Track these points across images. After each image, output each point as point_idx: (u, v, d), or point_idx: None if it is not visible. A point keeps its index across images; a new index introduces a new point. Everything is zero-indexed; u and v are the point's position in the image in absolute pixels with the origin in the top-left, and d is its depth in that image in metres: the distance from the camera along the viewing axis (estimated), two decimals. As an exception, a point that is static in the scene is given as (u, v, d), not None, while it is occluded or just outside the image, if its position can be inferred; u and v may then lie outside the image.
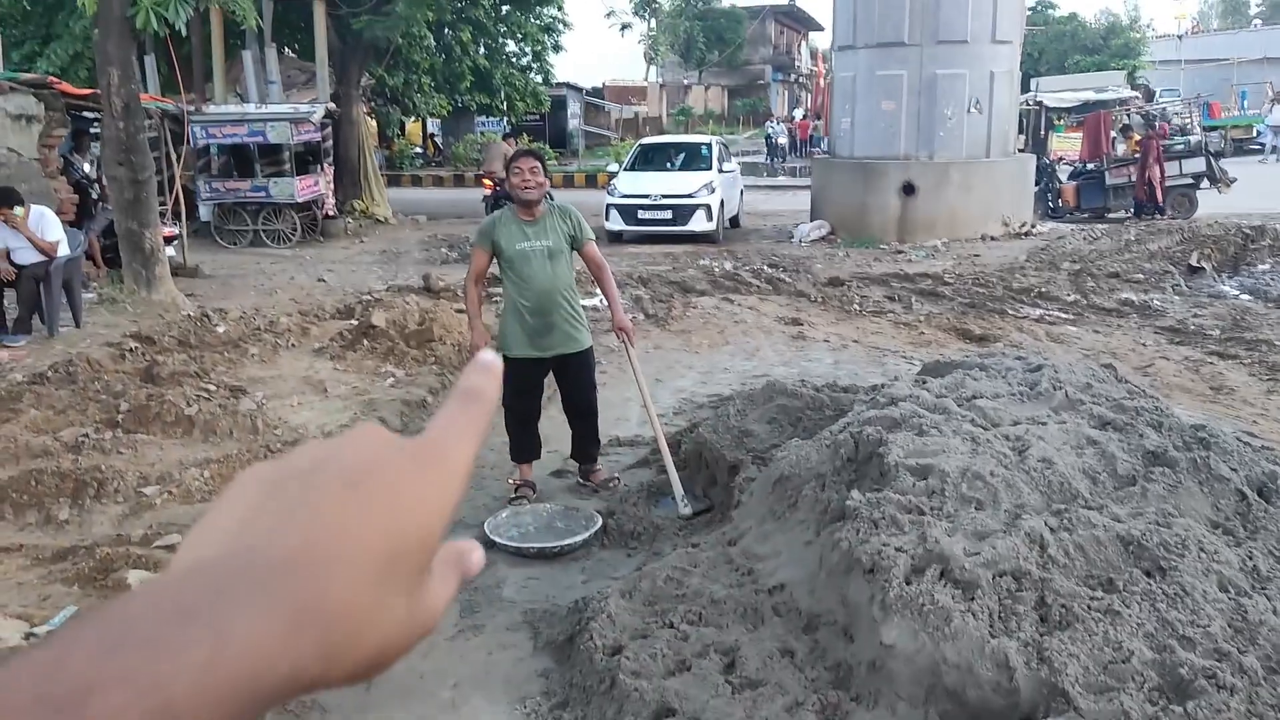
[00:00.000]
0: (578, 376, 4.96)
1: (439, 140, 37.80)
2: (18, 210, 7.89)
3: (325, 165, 17.74)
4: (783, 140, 33.53)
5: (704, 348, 8.18)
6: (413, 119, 32.83)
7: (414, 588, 0.41)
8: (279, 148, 16.51)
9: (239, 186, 16.46)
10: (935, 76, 14.49)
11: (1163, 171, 16.40)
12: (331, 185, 18.15)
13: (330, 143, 18.11)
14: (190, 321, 8.89)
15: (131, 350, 7.83)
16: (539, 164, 4.79)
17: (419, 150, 36.47)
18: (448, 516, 0.43)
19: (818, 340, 8.37)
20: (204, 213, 16.44)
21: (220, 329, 8.73)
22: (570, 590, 3.93)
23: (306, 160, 17.12)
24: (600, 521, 4.41)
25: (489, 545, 4.34)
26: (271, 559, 0.38)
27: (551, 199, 5.01)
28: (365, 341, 7.97)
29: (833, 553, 3.11)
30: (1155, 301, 9.65)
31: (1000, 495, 3.09)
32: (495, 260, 4.82)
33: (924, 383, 4.09)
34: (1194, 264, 11.28)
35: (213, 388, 6.65)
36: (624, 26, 47.62)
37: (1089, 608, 2.60)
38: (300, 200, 16.46)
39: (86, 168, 12.35)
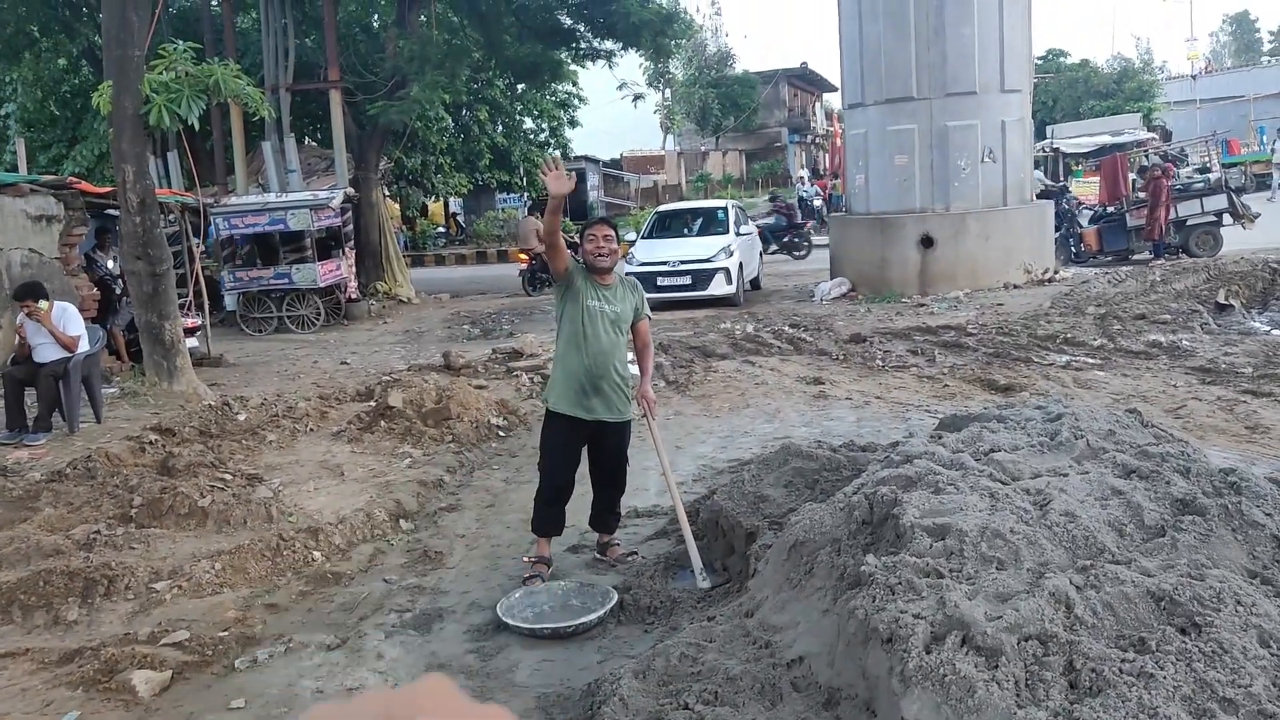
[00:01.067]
0: (615, 446, 4.94)
1: (461, 219, 38.35)
2: (42, 304, 7.99)
3: (347, 249, 17.96)
4: (818, 202, 31.40)
5: (724, 412, 8.06)
6: (433, 199, 33.36)
7: None
8: (301, 234, 16.76)
9: (262, 274, 16.66)
10: (946, 128, 14.49)
11: (1168, 209, 16.27)
12: (354, 268, 18.37)
13: (350, 227, 18.36)
14: (211, 411, 8.89)
15: (151, 443, 7.82)
16: (612, 231, 4.87)
17: (442, 229, 36.99)
18: None
19: (840, 398, 8.24)
20: (229, 302, 16.65)
21: (241, 417, 8.72)
22: (585, 671, 3.78)
23: (328, 245, 17.35)
24: (616, 597, 4.27)
25: (502, 628, 4.22)
26: None
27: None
28: (382, 423, 7.93)
29: (849, 622, 2.96)
30: (1184, 341, 9.45)
31: (1022, 553, 2.94)
32: (561, 304, 4.77)
33: (940, 438, 3.96)
34: (1222, 301, 11.07)
35: (229, 477, 6.60)
36: (637, 98, 48.25)
37: (1121, 671, 2.44)
38: (323, 285, 16.64)
39: (110, 264, 12.55)
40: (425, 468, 7.00)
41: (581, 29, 21.70)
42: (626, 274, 15.85)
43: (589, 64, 22.65)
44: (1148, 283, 12.57)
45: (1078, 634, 2.60)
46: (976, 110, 14.50)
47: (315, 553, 5.34)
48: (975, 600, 2.76)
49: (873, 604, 2.89)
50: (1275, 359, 8.33)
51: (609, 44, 21.74)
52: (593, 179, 40.75)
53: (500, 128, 30.82)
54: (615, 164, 45.40)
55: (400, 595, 4.75)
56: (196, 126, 9.61)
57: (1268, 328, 10.07)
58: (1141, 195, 17.45)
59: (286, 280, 16.68)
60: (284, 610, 4.66)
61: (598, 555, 5.01)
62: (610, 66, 23.81)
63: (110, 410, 9.16)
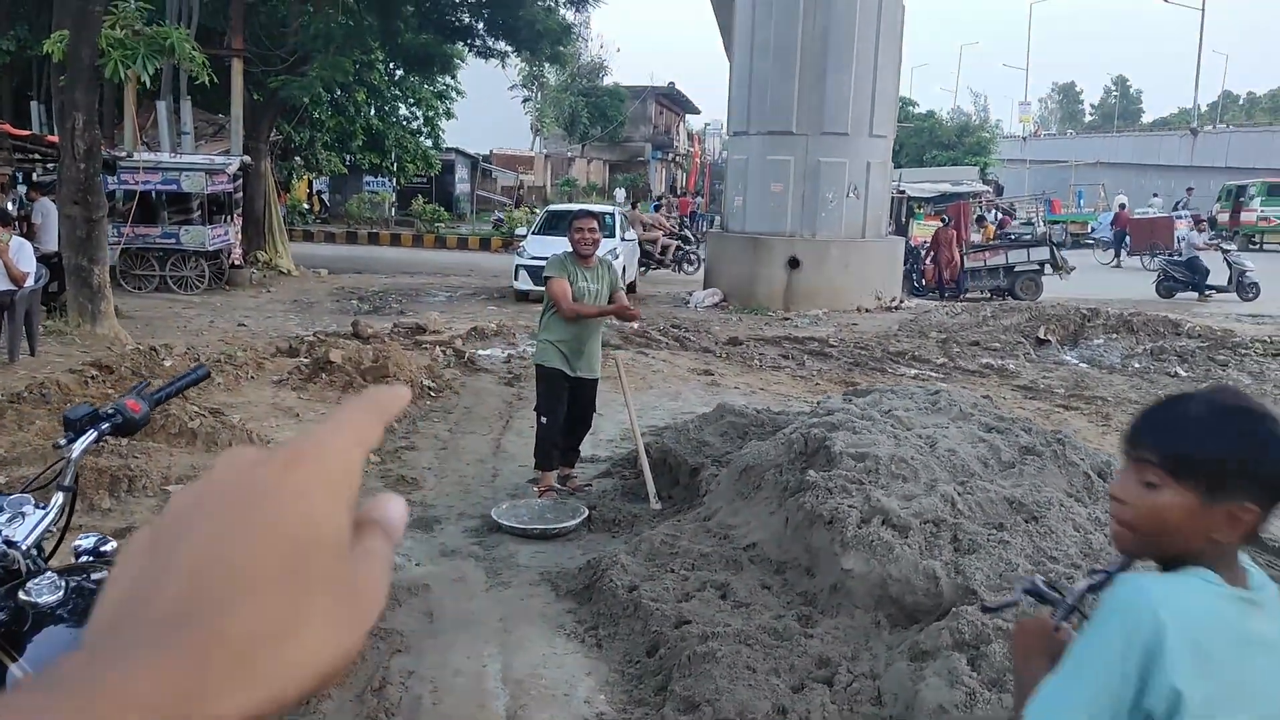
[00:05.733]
0: (588, 397, 6.09)
1: (325, 198, 38.16)
2: (3, 235, 8.35)
3: (235, 216, 18.18)
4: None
5: (631, 390, 9.18)
6: (301, 177, 33.19)
7: (334, 579, 0.40)
8: (187, 196, 16.91)
9: (148, 232, 16.71)
10: (819, 163, 16.11)
11: (955, 259, 18.63)
12: (240, 235, 18.59)
13: (240, 194, 18.57)
14: (140, 354, 9.40)
15: (94, 377, 8.36)
16: (596, 223, 5.97)
17: (306, 207, 36.70)
18: (341, 504, 0.42)
19: (730, 387, 9.50)
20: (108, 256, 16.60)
21: (168, 363, 9.27)
22: (573, 560, 4.83)
23: (211, 210, 17.50)
24: (587, 512, 5.34)
25: (495, 529, 5.22)
26: (158, 613, 0.37)
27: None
28: (324, 375, 8.68)
29: (797, 513, 4.14)
30: (1010, 365, 11.19)
31: (919, 472, 4.19)
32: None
33: (851, 400, 5.22)
34: (1041, 337, 12.95)
35: (194, 408, 7.28)
36: (526, 100, 48.89)
37: (988, 540, 3.71)
38: (210, 249, 16.84)
39: (10, 207, 12.63)
40: (373, 415, 7.82)
41: (479, 27, 22.43)
42: (516, 266, 16.79)
43: (485, 61, 23.32)
44: (980, 317, 14.43)
45: (959, 519, 3.85)
46: (846, 150, 16.17)
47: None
48: (890, 498, 3.99)
49: (817, 499, 4.08)
50: (1082, 384, 10.10)
51: (503, 45, 22.53)
52: (461, 171, 41.24)
53: (374, 111, 31.01)
54: (487, 159, 45.92)
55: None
56: (148, 84, 10.03)
57: (1076, 361, 11.95)
58: (978, 240, 19.71)
59: (173, 240, 16.80)
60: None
61: (558, 485, 6.04)
62: (503, 66, 24.64)
63: (40, 347, 9.51)
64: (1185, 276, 18.61)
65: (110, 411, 2.22)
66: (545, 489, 5.84)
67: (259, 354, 9.55)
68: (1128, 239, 27.50)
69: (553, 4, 21.22)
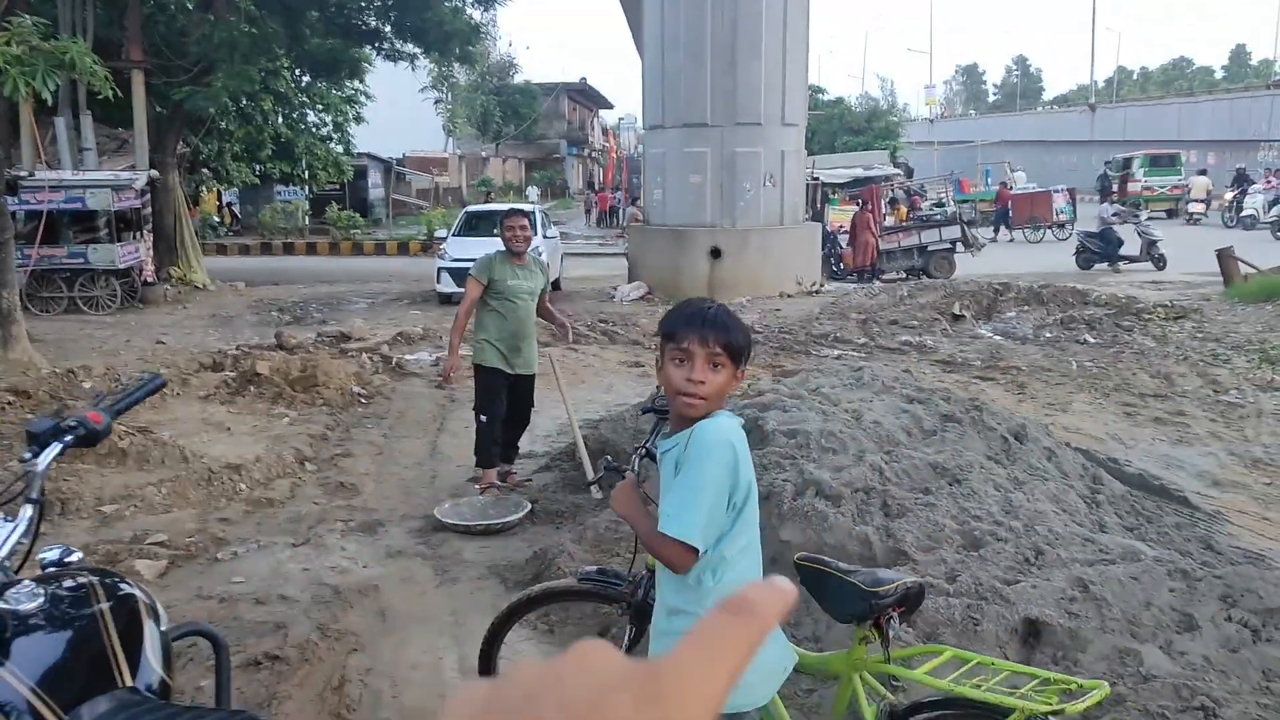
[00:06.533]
0: (526, 393, 6.16)
1: (236, 209, 37.43)
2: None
3: (145, 232, 17.78)
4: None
5: (565, 386, 9.28)
6: (211, 189, 32.53)
7: None
8: (93, 214, 16.50)
9: (54, 253, 16.29)
10: (735, 154, 16.36)
11: (871, 242, 19.11)
12: (151, 251, 18.19)
13: (149, 210, 18.16)
14: (56, 377, 9.21)
15: (10, 403, 8.19)
16: (526, 221, 6.05)
17: (216, 220, 35.96)
18: None
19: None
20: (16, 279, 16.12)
21: (86, 384, 9.11)
22: (518, 553, 4.92)
23: (119, 227, 17.10)
24: (529, 506, 5.44)
25: (439, 528, 5.28)
26: None
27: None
28: (251, 388, 8.61)
29: (735, 492, 4.29)
30: (929, 342, 11.54)
31: (848, 444, 4.38)
32: (483, 291, 5.84)
33: (779, 381, 5.40)
34: (957, 313, 13.37)
35: (123, 427, 7.18)
36: (437, 101, 48.40)
37: (915, 504, 3.91)
38: (121, 267, 16.47)
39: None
40: (306, 424, 7.81)
41: (387, 30, 22.21)
42: (439, 269, 16.73)
43: (394, 64, 23.11)
44: (897, 297, 14.82)
45: (887, 486, 4.05)
46: (761, 139, 16.45)
47: (241, 484, 6.15)
48: (822, 470, 4.17)
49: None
50: (996, 356, 10.49)
51: (411, 47, 22.34)
52: (375, 177, 40.79)
53: (282, 119, 30.52)
54: (400, 162, 45.46)
55: (336, 512, 5.69)
56: (49, 99, 9.80)
57: (991, 334, 12.38)
58: (890, 223, 20.21)
59: (81, 260, 16.41)
60: (237, 523, 5.50)
61: (498, 482, 6.11)
62: (413, 68, 24.43)
63: (-50, 373, 9.25)
64: (1099, 248, 19.27)
65: (73, 424, 2.27)
66: (486, 486, 5.92)
67: (182, 370, 9.41)
68: (1010, 214, 28.85)
69: (459, 4, 21.12)
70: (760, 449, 4.47)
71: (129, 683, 1.85)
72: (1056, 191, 28.67)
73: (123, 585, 2.08)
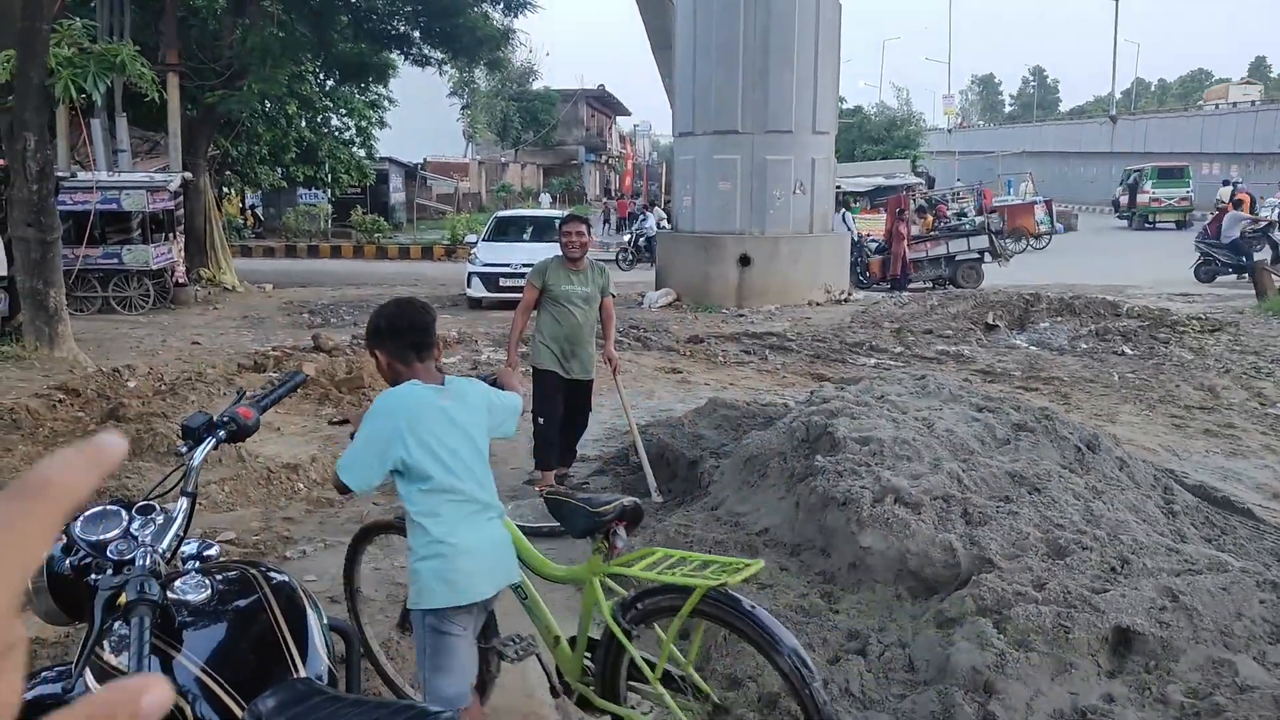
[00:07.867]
0: (583, 398, 6.20)
1: (259, 212, 37.66)
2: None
3: (177, 233, 17.91)
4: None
5: (606, 392, 9.28)
6: (238, 191, 32.74)
7: None
8: (128, 215, 16.63)
9: (90, 253, 16.40)
10: (765, 161, 16.39)
11: (906, 250, 19.05)
12: (183, 253, 18.33)
13: (181, 211, 18.30)
14: (102, 376, 9.28)
15: (60, 401, 8.26)
16: (584, 227, 6.03)
17: (240, 223, 36.17)
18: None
19: (701, 384, 9.67)
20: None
21: (131, 384, 9.18)
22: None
23: (152, 229, 17.24)
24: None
25: (503, 530, 5.31)
26: None
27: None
28: (298, 389, 8.65)
29: (809, 497, 4.32)
30: (965, 351, 11.54)
31: (922, 452, 4.40)
32: (540, 296, 5.89)
33: (843, 389, 5.42)
34: (990, 322, 13.36)
35: (175, 426, 7.23)
36: (464, 107, 48.61)
37: (997, 512, 3.91)
38: (155, 267, 16.59)
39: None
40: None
41: (416, 35, 22.33)
42: (469, 273, 16.81)
43: (422, 69, 23.23)
44: (927, 306, 14.82)
45: (967, 495, 4.06)
46: (791, 147, 16.47)
47: (299, 484, 6.19)
48: (899, 477, 4.18)
49: (828, 483, 4.26)
50: (1036, 365, 10.47)
51: (439, 53, 22.45)
52: (396, 181, 40.99)
53: (306, 123, 30.68)
54: (421, 168, 45.66)
55: (397, 512, 5.71)
56: (100, 101, 9.90)
57: (1026, 344, 12.36)
58: (917, 232, 20.19)
59: (116, 260, 16.53)
60: (300, 522, 5.54)
61: (556, 485, 6.14)
62: (440, 74, 24.53)
63: (-1, 372, 9.35)
64: (1229, 259, 18.36)
65: (225, 419, 2.31)
66: (545, 488, 5.95)
67: (226, 371, 9.47)
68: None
69: (489, 9, 21.23)
70: (832, 455, 4.49)
71: (302, 672, 1.88)
72: (1036, 203, 29.12)
73: (274, 574, 2.12)
